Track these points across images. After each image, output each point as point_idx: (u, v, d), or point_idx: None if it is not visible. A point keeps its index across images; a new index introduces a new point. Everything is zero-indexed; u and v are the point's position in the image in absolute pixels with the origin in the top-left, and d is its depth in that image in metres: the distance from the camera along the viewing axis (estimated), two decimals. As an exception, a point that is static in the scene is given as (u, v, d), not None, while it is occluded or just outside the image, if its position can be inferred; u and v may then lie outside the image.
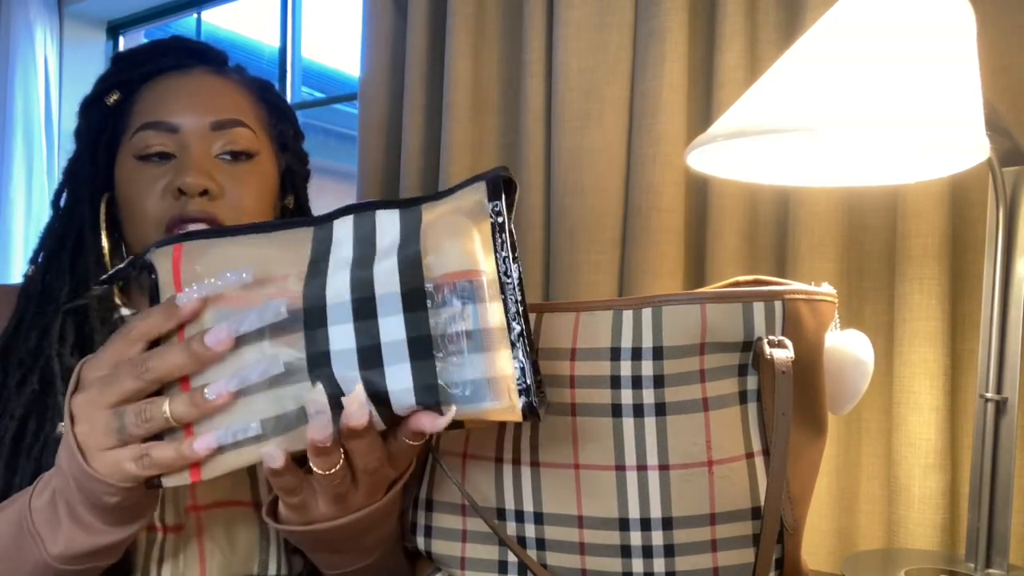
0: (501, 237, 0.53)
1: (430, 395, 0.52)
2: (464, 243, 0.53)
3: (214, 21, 2.45)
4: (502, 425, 0.60)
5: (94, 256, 0.80)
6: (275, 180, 0.86)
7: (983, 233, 0.82)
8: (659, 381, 0.55)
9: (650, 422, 0.55)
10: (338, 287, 0.54)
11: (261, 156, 0.83)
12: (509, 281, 0.53)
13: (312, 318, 0.54)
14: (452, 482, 0.60)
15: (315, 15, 2.14)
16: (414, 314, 0.52)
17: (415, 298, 0.52)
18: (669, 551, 0.55)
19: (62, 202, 0.84)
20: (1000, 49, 0.92)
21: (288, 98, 2.03)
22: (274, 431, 0.54)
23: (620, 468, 0.55)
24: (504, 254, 0.53)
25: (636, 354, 0.55)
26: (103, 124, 0.83)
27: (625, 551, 0.55)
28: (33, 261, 0.83)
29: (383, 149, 1.44)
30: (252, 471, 0.76)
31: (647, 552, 0.55)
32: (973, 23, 0.71)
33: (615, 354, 0.56)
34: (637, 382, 0.55)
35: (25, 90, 2.17)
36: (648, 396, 0.55)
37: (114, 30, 2.40)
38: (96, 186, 0.82)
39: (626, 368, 0.55)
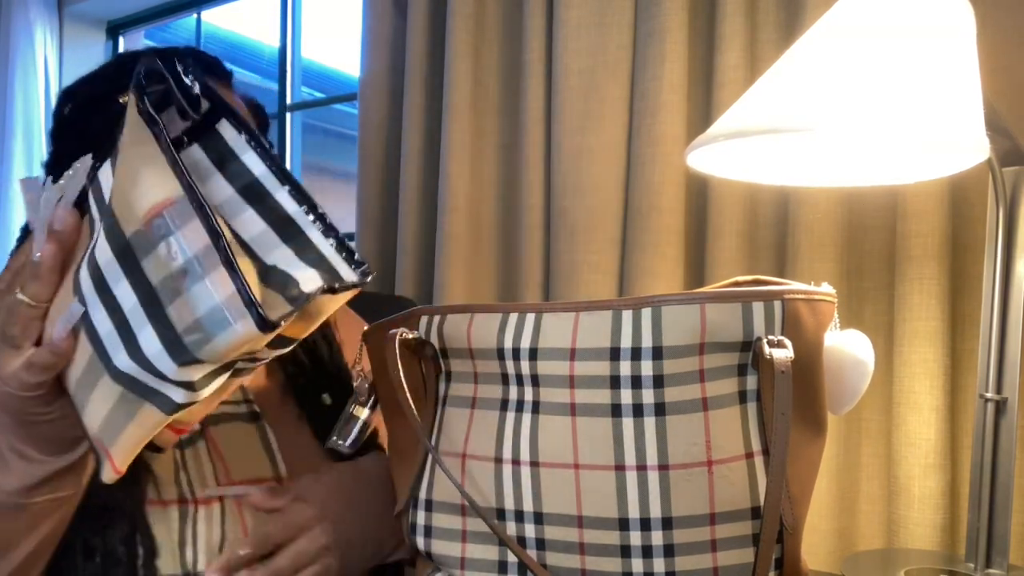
0: (158, 128, 0.49)
1: (181, 351, 0.49)
2: (144, 177, 0.49)
3: (214, 21, 2.44)
4: (501, 425, 0.60)
5: None
6: None
7: (983, 233, 0.82)
8: (659, 381, 0.55)
9: (649, 422, 0.55)
10: (83, 270, 0.53)
11: None
12: (196, 185, 0.48)
13: (86, 315, 0.54)
14: (452, 482, 0.60)
15: (315, 15, 2.14)
16: (132, 273, 0.50)
17: (126, 255, 0.50)
18: (669, 551, 0.55)
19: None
20: (1000, 49, 0.92)
21: (288, 98, 2.03)
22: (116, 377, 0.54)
23: (620, 468, 0.55)
24: (171, 149, 0.49)
25: (636, 354, 0.55)
26: (113, 124, 0.82)
27: (625, 551, 0.55)
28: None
29: (383, 149, 1.44)
30: (269, 449, 0.77)
31: (647, 552, 0.55)
32: (973, 23, 0.71)
33: (614, 354, 0.55)
34: (636, 382, 0.55)
35: (25, 90, 2.17)
36: (648, 396, 0.55)
37: (114, 30, 2.40)
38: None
39: (625, 368, 0.55)
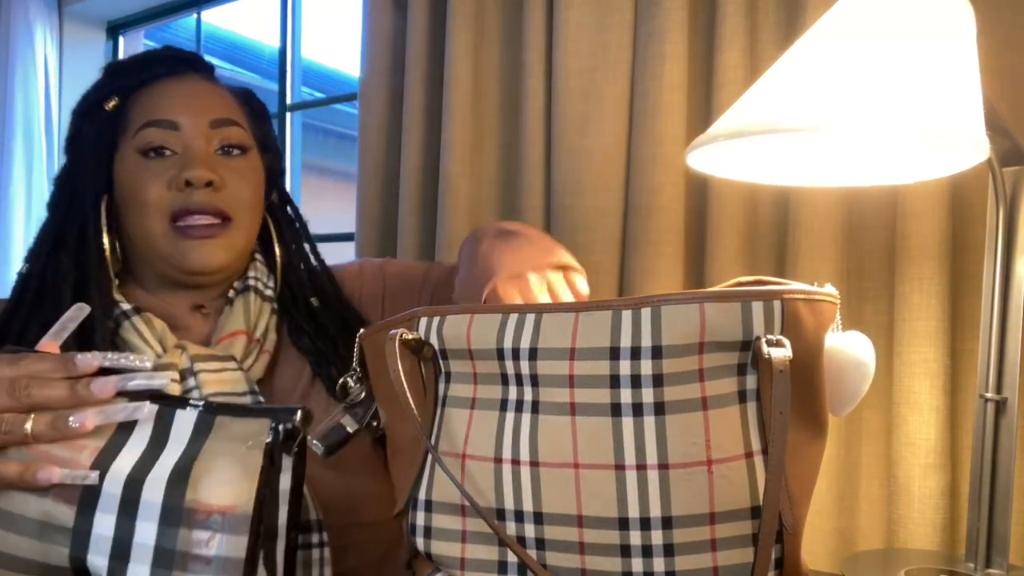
0: (270, 471, 0.58)
1: None
2: (230, 475, 0.57)
3: (214, 21, 2.45)
4: (501, 425, 0.60)
5: (96, 254, 0.82)
6: (263, 175, 0.91)
7: (983, 233, 0.82)
8: (658, 380, 0.55)
9: (649, 421, 0.55)
10: (116, 477, 0.58)
11: (252, 152, 0.88)
12: (265, 515, 0.58)
13: (86, 497, 0.57)
14: (452, 482, 0.60)
15: (315, 15, 2.14)
16: (167, 528, 0.57)
17: (172, 515, 0.57)
18: (668, 550, 0.55)
19: (57, 203, 0.86)
20: (1000, 49, 0.92)
21: (288, 98, 2.03)
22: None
23: (619, 468, 0.55)
24: (269, 488, 0.58)
25: (635, 353, 0.55)
26: (102, 129, 0.85)
27: (624, 551, 0.55)
28: (30, 260, 0.84)
29: (383, 149, 1.44)
30: None
31: (647, 552, 0.55)
32: (973, 23, 0.71)
33: (614, 353, 0.55)
34: (636, 381, 0.55)
35: (25, 90, 2.17)
36: (647, 395, 0.55)
37: (114, 30, 2.40)
38: (97, 185, 0.84)
39: (625, 367, 0.55)
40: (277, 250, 0.91)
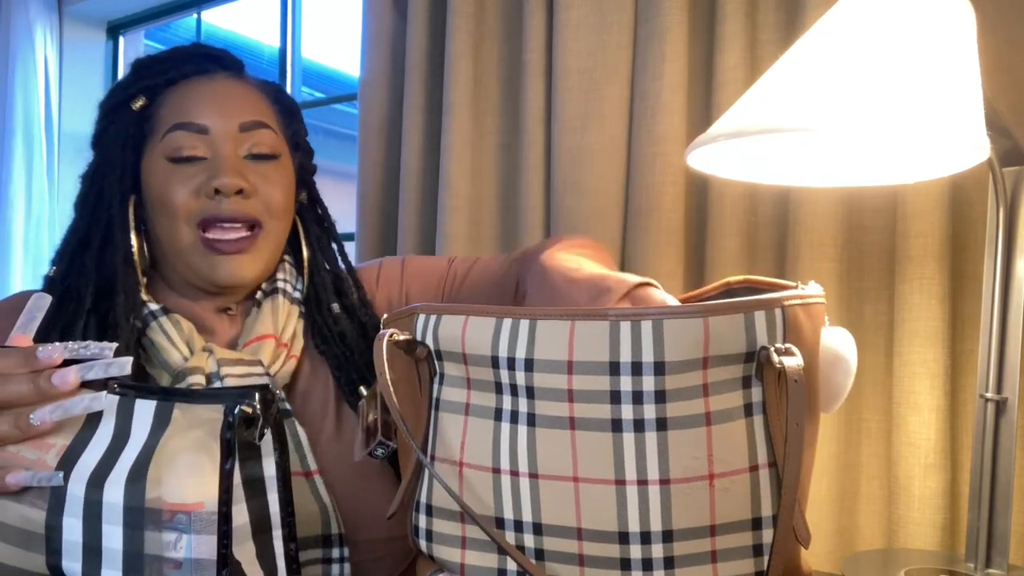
0: (231, 460, 0.54)
1: None
2: (196, 468, 0.54)
3: (214, 21, 2.45)
4: (497, 435, 0.59)
5: (123, 255, 0.81)
6: (294, 177, 0.88)
7: (983, 233, 0.82)
8: (660, 396, 0.54)
9: (651, 437, 0.54)
10: (80, 477, 0.55)
11: (283, 155, 0.86)
12: (230, 510, 0.54)
13: (54, 500, 0.56)
14: (447, 491, 0.59)
15: (315, 15, 2.14)
16: (132, 531, 0.54)
17: (134, 516, 0.54)
18: (669, 563, 0.54)
19: (83, 203, 0.85)
20: (1000, 49, 0.92)
21: (288, 98, 2.03)
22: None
23: (620, 483, 0.54)
24: (232, 479, 0.54)
25: (636, 368, 0.54)
26: (129, 128, 0.84)
27: (624, 564, 0.55)
28: (56, 262, 0.83)
29: (383, 149, 1.44)
30: (298, 446, 0.77)
31: (647, 565, 0.54)
32: (973, 23, 0.71)
33: (614, 368, 0.54)
34: (638, 397, 0.54)
35: (25, 90, 2.17)
36: (649, 411, 0.54)
37: (114, 30, 2.40)
38: (124, 187, 0.83)
39: (626, 383, 0.54)
40: (304, 252, 0.89)
